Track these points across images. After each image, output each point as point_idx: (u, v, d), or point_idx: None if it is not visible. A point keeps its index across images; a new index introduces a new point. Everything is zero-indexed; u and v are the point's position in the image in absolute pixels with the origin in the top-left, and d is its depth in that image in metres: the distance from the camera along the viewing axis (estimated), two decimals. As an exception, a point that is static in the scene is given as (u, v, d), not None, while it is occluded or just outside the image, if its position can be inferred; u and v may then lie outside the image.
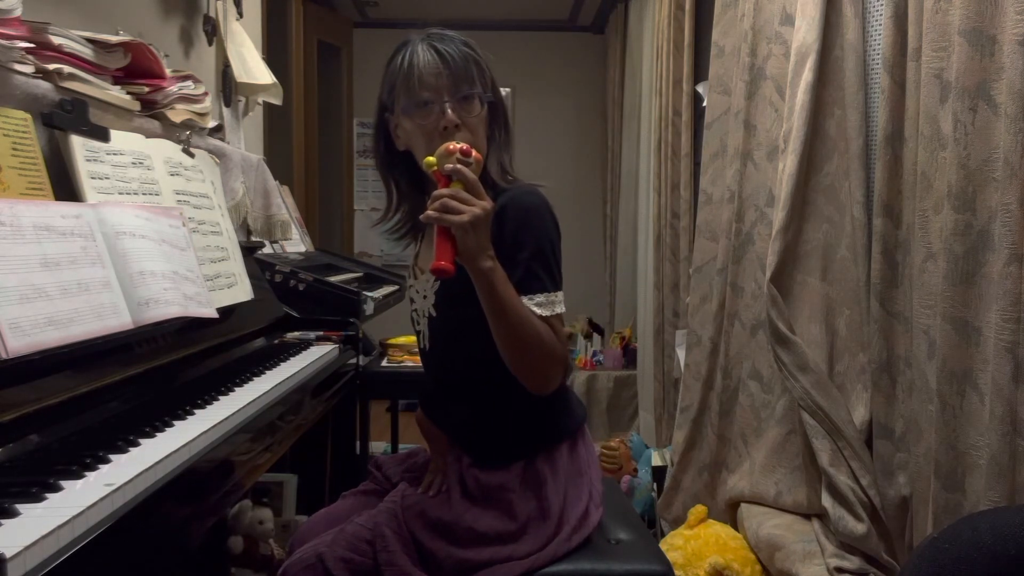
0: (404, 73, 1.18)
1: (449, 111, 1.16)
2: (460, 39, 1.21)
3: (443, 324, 1.24)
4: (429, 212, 1.05)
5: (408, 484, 1.28)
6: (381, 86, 1.24)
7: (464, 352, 1.23)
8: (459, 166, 1.07)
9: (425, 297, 1.26)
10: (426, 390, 1.37)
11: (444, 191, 1.06)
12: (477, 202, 1.05)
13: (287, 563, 1.17)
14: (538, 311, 1.13)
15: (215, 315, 1.44)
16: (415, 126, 1.18)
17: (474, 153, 1.10)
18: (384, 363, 2.45)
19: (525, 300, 1.12)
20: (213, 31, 2.27)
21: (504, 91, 1.33)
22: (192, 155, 1.70)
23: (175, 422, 1.12)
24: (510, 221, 1.14)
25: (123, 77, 1.57)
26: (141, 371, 1.28)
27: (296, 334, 2.00)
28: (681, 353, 2.52)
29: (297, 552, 1.18)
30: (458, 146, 1.09)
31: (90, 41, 1.44)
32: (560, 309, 1.16)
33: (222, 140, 2.14)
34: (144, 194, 1.46)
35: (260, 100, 2.61)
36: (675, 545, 1.98)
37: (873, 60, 1.71)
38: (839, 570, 1.60)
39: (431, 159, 1.11)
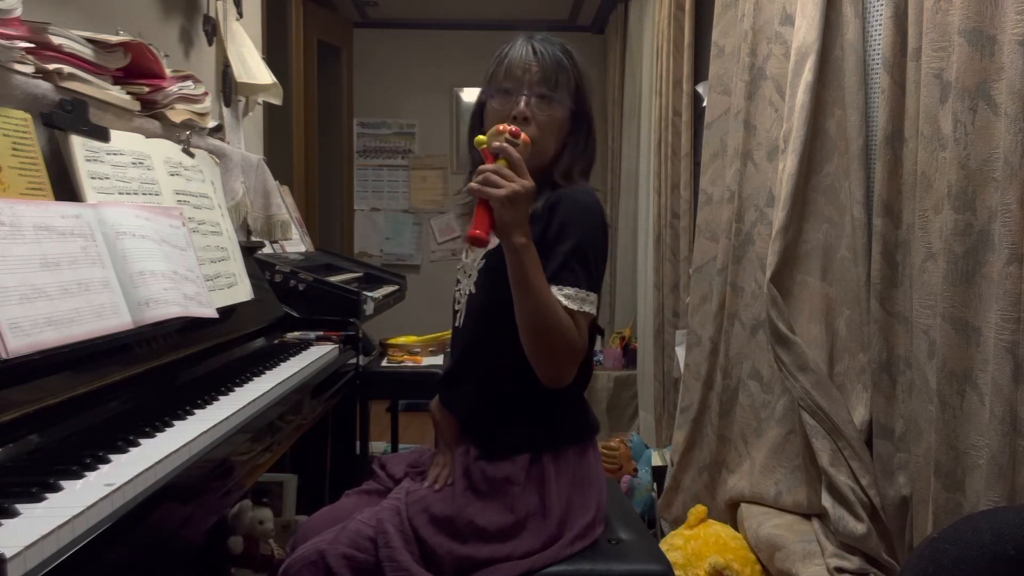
0: (499, 61, 1.27)
1: (522, 103, 1.22)
2: (562, 47, 1.28)
3: (479, 303, 1.27)
4: (472, 184, 1.11)
5: (412, 481, 1.28)
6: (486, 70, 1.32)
7: (491, 333, 1.24)
8: (505, 144, 1.13)
9: (469, 276, 1.31)
10: (446, 373, 1.38)
11: (488, 166, 1.12)
12: (517, 179, 1.10)
13: (289, 560, 1.17)
14: (565, 302, 1.14)
15: (215, 315, 1.44)
16: (494, 110, 1.26)
17: (523, 136, 1.15)
18: (384, 363, 2.45)
19: (555, 289, 1.15)
20: (213, 31, 2.27)
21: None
22: (192, 155, 1.70)
23: (175, 422, 1.13)
24: (560, 214, 1.18)
25: (123, 77, 1.57)
26: (141, 371, 1.28)
27: (296, 334, 2.00)
28: (681, 353, 2.52)
29: (299, 549, 1.18)
30: (507, 127, 1.15)
31: (90, 41, 1.44)
32: (589, 308, 1.17)
33: (222, 140, 2.14)
34: (144, 194, 1.46)
35: (260, 100, 2.61)
36: (675, 545, 1.98)
37: (873, 60, 1.71)
38: (839, 570, 1.60)
39: (482, 137, 1.17)
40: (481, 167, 1.12)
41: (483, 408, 1.27)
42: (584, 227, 1.18)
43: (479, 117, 1.32)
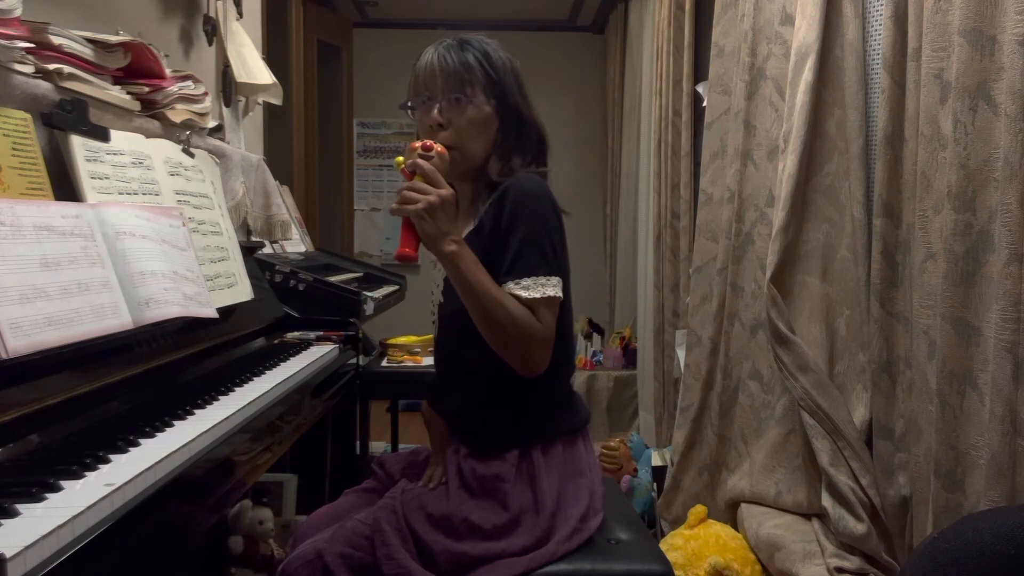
0: (412, 73, 1.29)
1: (434, 111, 1.25)
2: (479, 47, 1.28)
3: (448, 310, 1.28)
4: (392, 205, 1.15)
5: (409, 481, 1.29)
6: None
7: (464, 338, 1.24)
8: (418, 160, 1.16)
9: (437, 285, 1.33)
10: (435, 379, 1.40)
11: (405, 185, 1.15)
12: (433, 190, 1.13)
13: (287, 559, 1.18)
14: (523, 294, 1.15)
15: (215, 315, 1.44)
16: (419, 121, 1.29)
17: (437, 148, 1.18)
18: (384, 363, 2.45)
19: (511, 283, 1.16)
20: (213, 31, 2.27)
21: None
22: (192, 155, 1.70)
23: (175, 422, 1.13)
24: (508, 204, 1.19)
25: (123, 77, 1.57)
26: (141, 371, 1.28)
27: (296, 334, 2.00)
28: (681, 353, 2.52)
29: (297, 549, 1.19)
30: (419, 143, 1.18)
31: (90, 41, 1.44)
32: (551, 292, 1.17)
33: (222, 140, 2.14)
34: (144, 194, 1.46)
35: (260, 100, 2.61)
36: (675, 545, 1.98)
37: (873, 60, 1.71)
38: (839, 570, 1.60)
39: (400, 159, 1.20)
40: (399, 187, 1.15)
41: (469, 411, 1.28)
42: (533, 212, 1.19)
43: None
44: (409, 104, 1.30)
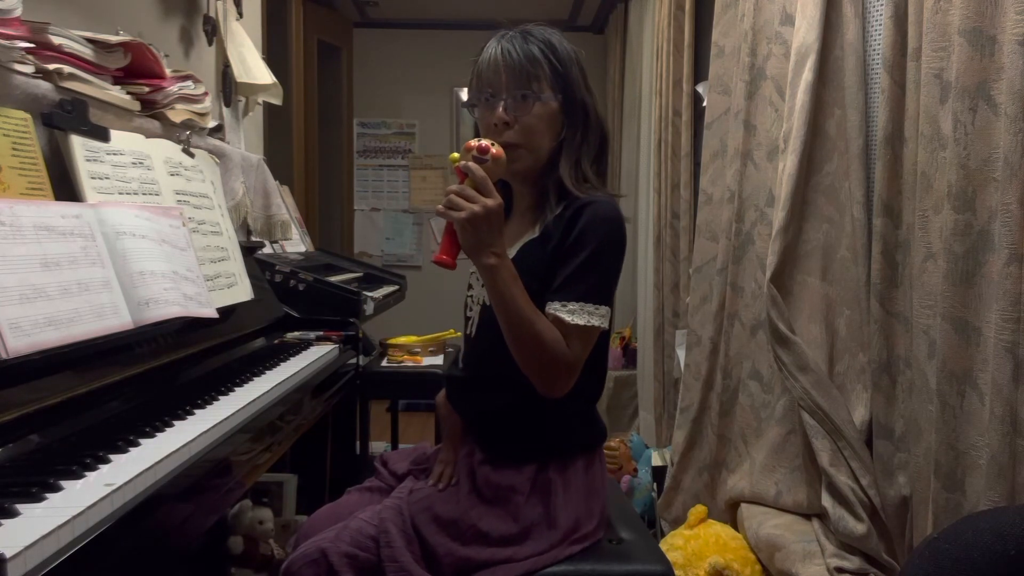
0: (475, 68, 1.24)
1: (500, 108, 1.19)
2: (542, 38, 1.22)
3: (493, 313, 1.24)
4: (438, 207, 1.09)
5: (415, 479, 1.28)
6: None
7: (504, 344, 1.21)
8: (470, 163, 1.10)
9: (483, 284, 1.26)
10: (455, 375, 1.36)
11: (453, 188, 1.09)
12: (480, 199, 1.07)
13: (291, 558, 1.17)
14: (567, 317, 1.12)
15: (215, 315, 1.44)
16: (481, 119, 1.24)
17: (493, 151, 1.12)
18: (384, 363, 2.45)
19: (558, 303, 1.13)
20: (213, 31, 2.27)
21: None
22: (192, 155, 1.70)
23: (175, 422, 1.13)
24: (581, 224, 1.15)
25: (123, 77, 1.57)
26: (141, 371, 1.28)
27: (296, 334, 2.00)
28: (681, 353, 2.52)
29: (301, 547, 1.18)
30: (476, 143, 1.12)
31: (90, 41, 1.44)
32: (596, 322, 1.14)
33: (222, 140, 2.14)
34: (144, 194, 1.46)
35: (260, 100, 2.61)
36: (675, 545, 1.98)
37: (873, 60, 1.71)
38: (839, 570, 1.60)
39: (455, 155, 1.14)
40: (448, 188, 1.10)
41: (492, 416, 1.25)
42: (601, 238, 1.15)
43: (477, 129, 1.29)
44: (471, 103, 1.24)
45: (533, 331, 1.11)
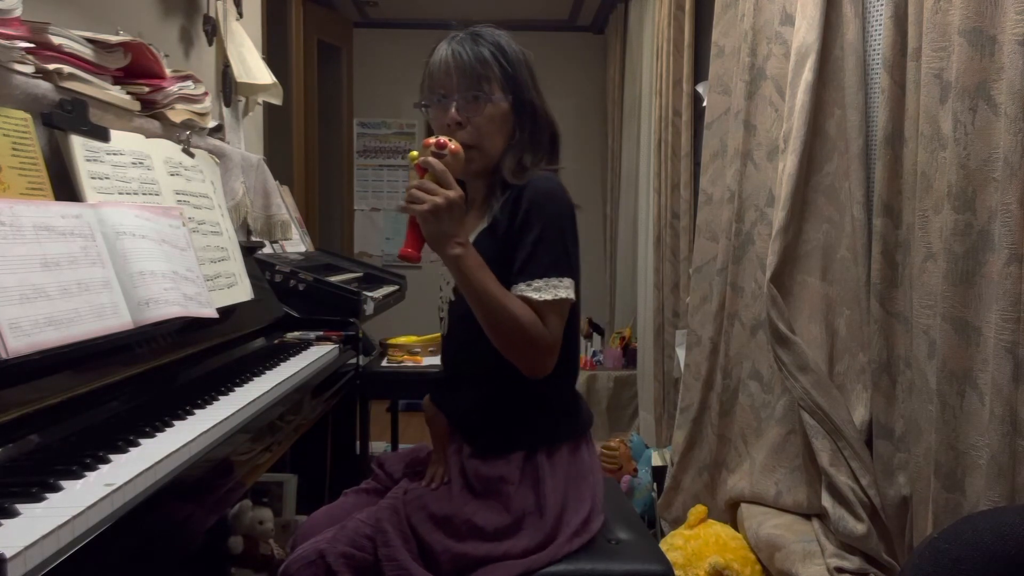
0: (426, 69, 1.26)
1: (452, 109, 1.21)
2: (492, 39, 1.25)
3: (459, 308, 1.27)
4: (400, 202, 1.13)
5: (410, 480, 1.28)
6: None
7: (476, 338, 1.23)
8: (429, 158, 1.13)
9: (448, 283, 1.30)
10: (438, 376, 1.39)
11: (413, 183, 1.13)
12: (441, 191, 1.10)
13: (289, 560, 1.17)
14: (535, 295, 1.14)
15: (215, 315, 1.44)
16: (434, 119, 1.26)
17: (451, 146, 1.16)
18: (384, 363, 2.45)
19: (523, 284, 1.15)
20: (213, 31, 2.27)
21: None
22: (192, 155, 1.70)
23: (175, 422, 1.12)
24: (524, 204, 1.18)
25: (123, 77, 1.57)
26: (141, 371, 1.28)
27: (296, 334, 2.00)
28: (681, 353, 2.52)
29: (298, 549, 1.18)
30: (433, 140, 1.16)
31: (90, 41, 1.44)
32: (563, 294, 1.16)
33: (222, 140, 2.14)
34: (144, 194, 1.46)
35: (260, 100, 2.61)
36: (675, 545, 1.98)
37: (873, 60, 1.71)
38: (839, 570, 1.60)
39: (414, 153, 1.17)
40: (409, 183, 1.14)
41: (476, 411, 1.27)
42: (549, 213, 1.17)
43: (430, 128, 1.31)
44: (424, 103, 1.27)
45: (509, 314, 1.13)
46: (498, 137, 1.24)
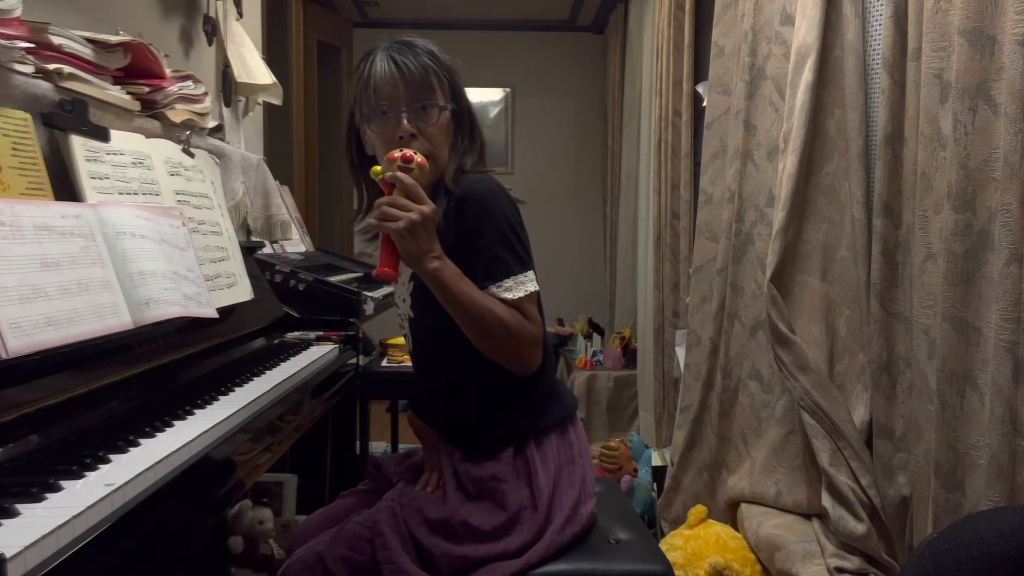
0: (364, 83, 1.21)
1: (405, 121, 1.19)
2: (425, 48, 1.24)
3: (421, 325, 1.28)
4: (370, 220, 1.12)
5: (406, 483, 1.28)
6: (350, 93, 1.28)
7: (443, 350, 1.25)
8: (398, 173, 1.11)
9: (404, 300, 1.30)
10: (415, 389, 1.40)
11: (384, 199, 1.11)
12: (415, 207, 1.09)
13: (287, 563, 1.17)
14: (507, 296, 1.15)
15: (215, 315, 1.44)
16: (375, 135, 1.22)
17: (417, 159, 1.14)
18: (384, 363, 2.45)
19: (493, 288, 1.16)
20: (213, 31, 2.27)
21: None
22: (192, 155, 1.70)
23: (175, 422, 1.12)
24: (468, 210, 1.18)
25: (123, 77, 1.57)
26: (141, 371, 1.28)
27: (296, 334, 2.00)
28: (681, 353, 2.52)
29: (297, 552, 1.19)
30: (399, 153, 1.13)
31: (90, 41, 1.44)
32: (530, 288, 1.17)
33: (222, 140, 2.14)
34: (144, 194, 1.46)
35: (260, 100, 2.61)
36: (675, 545, 1.98)
37: (873, 60, 1.71)
38: (839, 570, 1.60)
39: (377, 168, 1.16)
40: (378, 200, 1.12)
41: (457, 419, 1.28)
42: (494, 213, 1.18)
43: (356, 144, 1.29)
44: (367, 119, 1.22)
45: (495, 317, 1.14)
46: (446, 146, 1.24)
